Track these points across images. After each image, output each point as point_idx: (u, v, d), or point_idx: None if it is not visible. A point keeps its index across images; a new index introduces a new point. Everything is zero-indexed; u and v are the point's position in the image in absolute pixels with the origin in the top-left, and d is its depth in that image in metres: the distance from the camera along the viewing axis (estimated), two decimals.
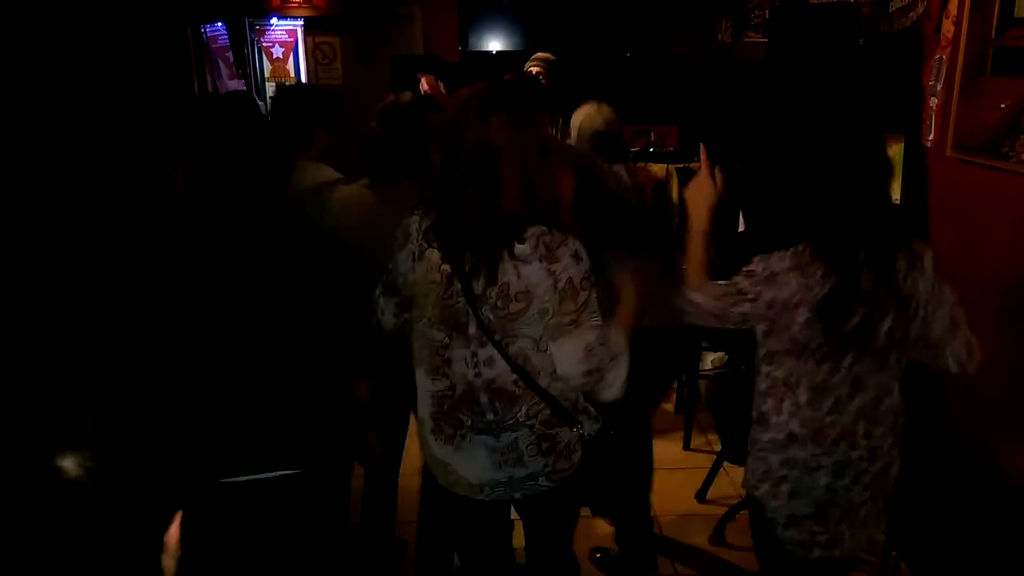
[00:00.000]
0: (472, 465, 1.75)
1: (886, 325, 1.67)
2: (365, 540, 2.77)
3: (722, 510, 3.10)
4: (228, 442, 1.79)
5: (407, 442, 2.67)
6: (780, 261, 1.68)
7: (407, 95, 2.36)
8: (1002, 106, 2.27)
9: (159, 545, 0.81)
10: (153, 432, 0.82)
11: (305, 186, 2.54)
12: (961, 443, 2.51)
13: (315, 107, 2.65)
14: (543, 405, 1.71)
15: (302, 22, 5.89)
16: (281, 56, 5.98)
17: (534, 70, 3.70)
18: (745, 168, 4.48)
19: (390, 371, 2.44)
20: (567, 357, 1.66)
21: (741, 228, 3.99)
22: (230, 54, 5.69)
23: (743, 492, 1.91)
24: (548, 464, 1.75)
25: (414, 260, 1.73)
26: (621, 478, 2.79)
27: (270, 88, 5.99)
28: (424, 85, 3.51)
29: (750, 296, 1.70)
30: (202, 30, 5.66)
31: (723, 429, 3.28)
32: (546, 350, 1.68)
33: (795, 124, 1.80)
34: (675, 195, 4.41)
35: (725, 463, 3.25)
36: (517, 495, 1.79)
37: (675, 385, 4.00)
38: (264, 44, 5.94)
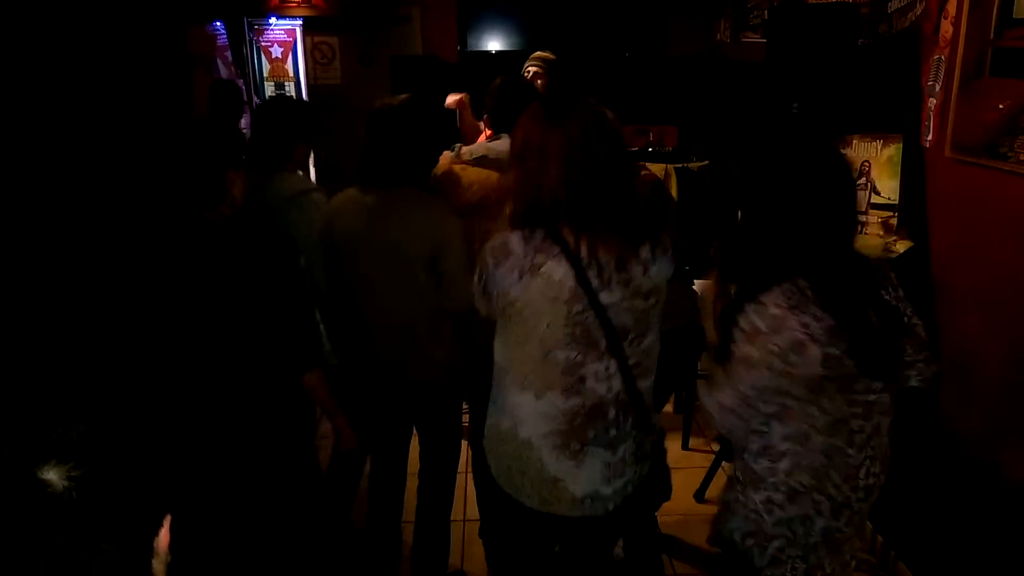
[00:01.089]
0: (587, 478, 1.72)
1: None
2: (370, 539, 2.77)
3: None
4: (207, 442, 1.80)
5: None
6: (776, 304, 1.57)
7: (399, 98, 2.36)
8: (1000, 107, 2.27)
9: (149, 550, 0.81)
10: (138, 437, 0.82)
11: (284, 195, 2.57)
12: (960, 443, 2.52)
13: (297, 120, 2.68)
14: (639, 414, 1.72)
15: (301, 22, 5.88)
16: (280, 56, 5.97)
17: (532, 70, 3.70)
18: (744, 169, 4.48)
19: (394, 371, 2.45)
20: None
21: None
22: (229, 54, 5.69)
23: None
24: (638, 471, 1.78)
25: (520, 279, 1.62)
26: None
27: (269, 88, 5.99)
28: (453, 99, 3.50)
29: (761, 361, 1.58)
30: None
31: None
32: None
33: (760, 154, 1.70)
34: (675, 193, 4.42)
35: (724, 463, 3.25)
36: (610, 506, 1.76)
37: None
38: (263, 44, 5.93)
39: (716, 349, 1.72)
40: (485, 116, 2.78)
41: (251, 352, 1.85)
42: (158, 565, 0.82)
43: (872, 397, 1.66)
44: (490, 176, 2.59)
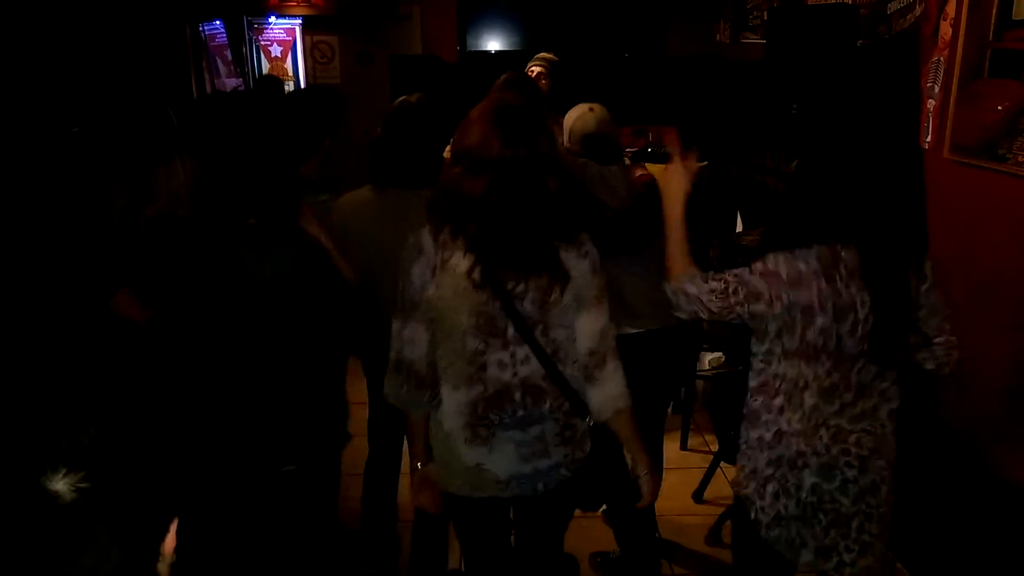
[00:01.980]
0: (501, 460, 1.77)
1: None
2: (364, 538, 2.77)
3: (719, 510, 3.10)
4: (229, 443, 1.79)
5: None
6: (805, 262, 1.62)
7: (415, 97, 2.33)
8: (999, 108, 2.28)
9: (156, 555, 0.81)
10: (148, 442, 0.81)
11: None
12: (959, 443, 2.52)
13: (327, 112, 2.60)
14: (563, 398, 1.75)
15: (300, 21, 5.88)
16: (279, 55, 5.97)
17: (536, 70, 3.70)
18: (743, 169, 4.49)
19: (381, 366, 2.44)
20: (583, 330, 1.73)
21: (739, 229, 3.99)
22: (228, 52, 5.68)
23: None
24: (568, 453, 1.81)
25: (434, 273, 1.69)
26: (630, 480, 2.78)
27: None
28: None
29: (766, 298, 1.65)
30: (200, 28, 5.65)
31: (720, 429, 3.28)
32: (575, 336, 1.73)
33: (835, 133, 1.74)
34: None
35: (722, 463, 3.25)
36: (539, 486, 1.81)
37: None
38: (262, 43, 5.93)
39: (718, 258, 1.76)
40: None
41: (264, 358, 1.84)
42: (162, 567, 0.82)
43: (869, 378, 1.71)
44: None
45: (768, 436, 1.75)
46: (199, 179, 1.88)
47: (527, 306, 1.67)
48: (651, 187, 2.60)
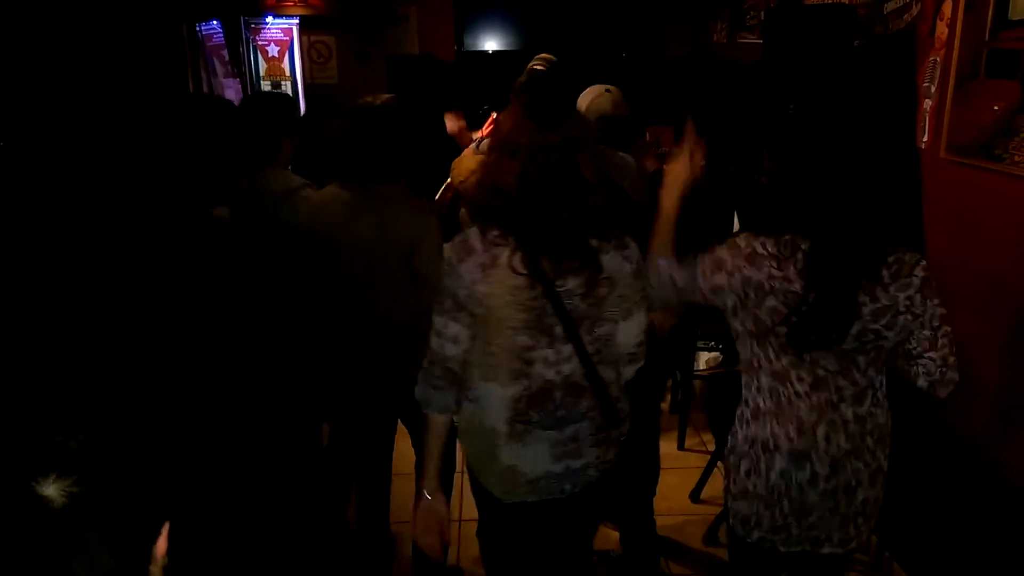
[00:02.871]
0: (534, 459, 1.77)
1: (856, 328, 1.65)
2: (360, 539, 2.77)
3: (716, 510, 3.10)
4: (206, 448, 1.79)
5: (398, 444, 2.67)
6: (763, 245, 1.69)
7: (382, 97, 2.38)
8: (995, 108, 2.28)
9: (147, 558, 0.81)
10: (137, 445, 0.81)
11: (276, 191, 2.56)
12: (957, 443, 2.52)
13: (282, 115, 2.67)
14: (598, 400, 1.77)
15: (297, 21, 5.88)
16: (276, 55, 5.96)
17: (538, 69, 3.69)
18: (740, 168, 4.50)
19: (376, 375, 2.45)
20: (632, 329, 1.79)
21: (736, 228, 4.00)
22: (225, 52, 5.68)
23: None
24: (600, 455, 1.82)
25: (484, 270, 1.68)
26: (629, 480, 2.79)
27: (265, 87, 5.98)
28: (451, 126, 3.54)
29: (727, 267, 1.72)
30: (197, 28, 5.64)
31: (717, 429, 3.29)
32: (618, 332, 1.78)
33: (810, 128, 1.80)
34: None
35: (719, 463, 3.25)
36: (568, 487, 1.81)
37: (669, 385, 4.01)
38: (259, 43, 5.92)
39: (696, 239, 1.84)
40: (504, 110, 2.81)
41: (253, 357, 1.84)
42: (155, 570, 0.82)
43: (821, 372, 1.72)
44: None
45: (747, 413, 1.80)
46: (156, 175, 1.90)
47: (576, 302, 1.69)
48: (654, 176, 2.60)
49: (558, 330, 1.70)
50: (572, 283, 1.68)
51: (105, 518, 0.75)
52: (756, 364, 1.77)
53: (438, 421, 1.82)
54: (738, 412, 1.84)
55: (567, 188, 1.64)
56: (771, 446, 1.76)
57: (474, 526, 3.06)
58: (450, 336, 1.73)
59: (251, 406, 1.84)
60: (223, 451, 1.82)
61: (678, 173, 1.89)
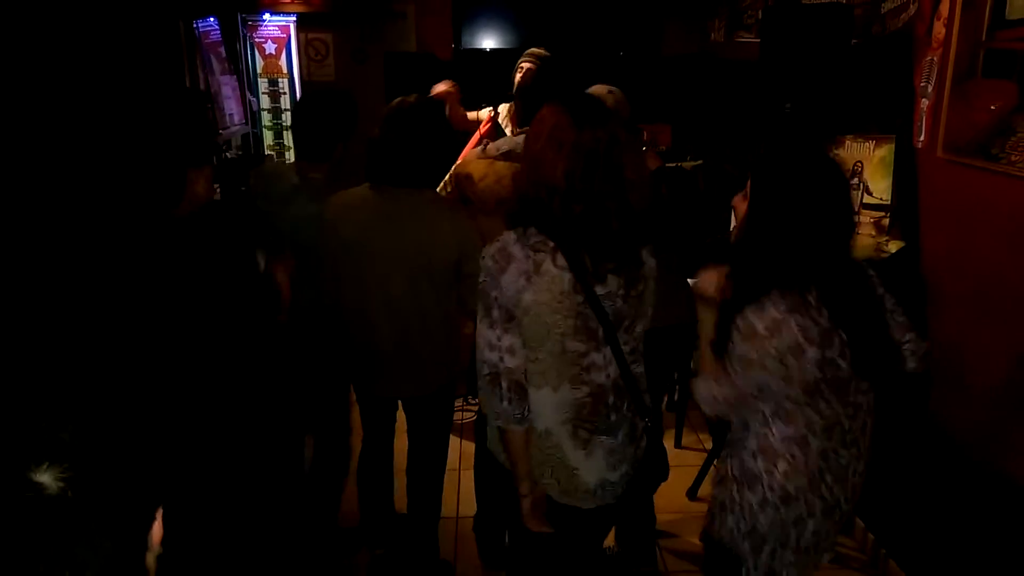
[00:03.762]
0: (594, 466, 1.77)
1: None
2: (364, 530, 2.78)
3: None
4: (197, 435, 1.80)
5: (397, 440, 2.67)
6: (774, 307, 1.60)
7: (413, 98, 2.32)
8: (992, 108, 2.29)
9: (143, 544, 0.81)
10: (129, 435, 0.82)
11: (293, 179, 2.54)
12: (951, 441, 2.53)
13: (341, 118, 2.56)
14: (632, 399, 1.79)
15: (295, 18, 5.86)
16: (274, 52, 5.95)
17: (526, 65, 3.69)
18: (737, 168, 4.50)
19: (371, 373, 2.45)
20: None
21: (733, 224, 4.00)
22: (222, 49, 5.66)
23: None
24: (634, 452, 1.84)
25: (528, 281, 1.64)
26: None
27: (262, 84, 5.97)
28: (441, 87, 3.50)
29: (756, 360, 1.61)
30: (194, 25, 5.63)
31: (714, 427, 3.30)
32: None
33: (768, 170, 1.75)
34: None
35: (716, 461, 3.26)
36: (619, 491, 1.82)
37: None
38: (256, 40, 5.91)
39: (715, 341, 1.75)
40: (509, 106, 2.78)
41: (235, 347, 1.85)
42: (150, 558, 0.83)
43: (860, 398, 1.71)
44: (506, 170, 2.58)
45: (774, 499, 1.72)
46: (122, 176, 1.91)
47: (616, 303, 1.70)
48: (656, 174, 2.60)
49: (600, 334, 1.70)
50: (612, 284, 1.68)
51: (102, 505, 0.75)
52: (808, 434, 1.68)
53: (517, 432, 1.73)
54: (755, 500, 1.73)
55: (613, 182, 1.64)
56: (805, 517, 1.72)
57: (471, 523, 3.08)
58: (507, 348, 1.67)
59: (241, 396, 1.85)
60: (215, 440, 1.82)
61: (706, 288, 1.82)
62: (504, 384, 1.68)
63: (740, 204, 1.79)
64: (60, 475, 0.72)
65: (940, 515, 2.57)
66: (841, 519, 1.80)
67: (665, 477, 2.54)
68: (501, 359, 1.68)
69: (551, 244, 1.64)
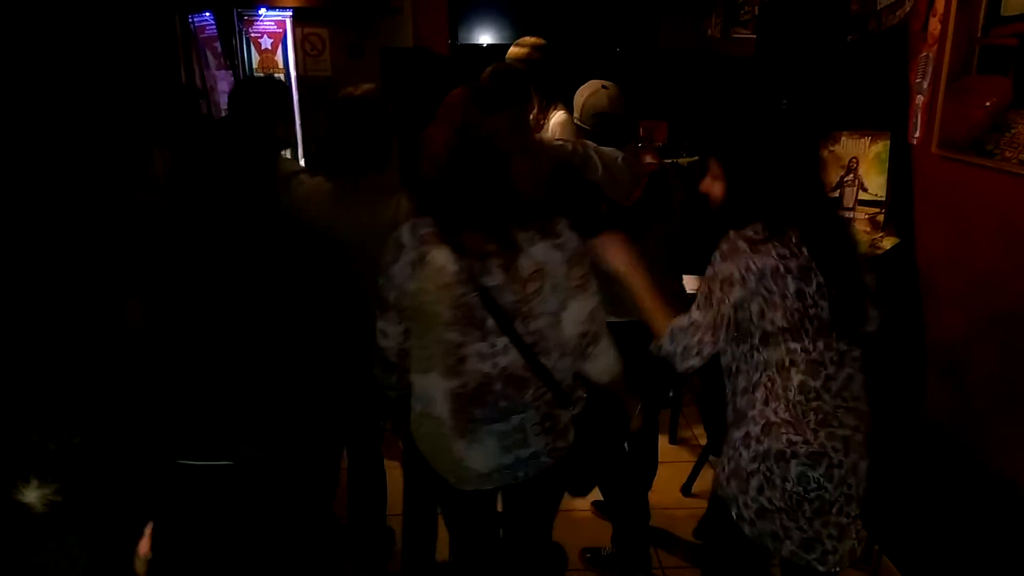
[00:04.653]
0: (483, 455, 1.81)
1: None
2: (352, 531, 2.77)
3: (707, 503, 3.12)
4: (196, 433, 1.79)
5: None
6: (754, 231, 1.69)
7: (363, 87, 2.42)
8: (987, 104, 2.29)
9: (131, 553, 0.81)
10: (119, 448, 0.81)
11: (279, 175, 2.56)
12: (945, 438, 2.54)
13: (275, 99, 2.69)
14: (545, 388, 1.79)
15: (291, 13, 5.84)
16: (270, 47, 5.93)
17: (520, 53, 3.65)
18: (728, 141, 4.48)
19: (367, 366, 2.44)
20: (571, 319, 1.79)
21: None
22: (218, 44, 5.64)
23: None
24: (549, 442, 1.85)
25: (413, 268, 1.73)
26: (625, 476, 2.79)
27: None
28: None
29: (738, 276, 1.67)
30: (190, 20, 5.61)
31: (709, 423, 3.30)
32: (560, 322, 1.78)
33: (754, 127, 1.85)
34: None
35: (711, 457, 3.27)
36: (521, 474, 1.85)
37: None
38: (252, 35, 5.89)
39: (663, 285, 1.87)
40: None
41: (237, 355, 1.83)
42: (139, 565, 0.82)
43: (844, 347, 1.74)
44: None
45: (756, 430, 1.73)
46: (178, 169, 1.91)
47: (507, 297, 1.71)
48: (656, 176, 2.59)
49: (490, 323, 1.72)
50: (499, 277, 1.70)
51: (85, 520, 0.74)
52: (789, 362, 1.70)
53: (391, 397, 2.02)
54: (739, 435, 1.76)
55: (493, 167, 1.67)
56: (787, 455, 1.70)
57: None
58: (380, 330, 1.86)
59: (238, 404, 1.84)
60: (207, 451, 1.81)
61: (621, 257, 1.86)
62: (378, 358, 1.92)
63: (711, 187, 1.84)
64: (48, 496, 0.71)
65: (935, 512, 2.58)
66: (839, 482, 1.71)
67: (647, 482, 2.55)
68: (377, 339, 1.89)
69: (439, 236, 1.70)
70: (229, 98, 2.95)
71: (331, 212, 2.33)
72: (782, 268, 1.65)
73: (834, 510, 1.74)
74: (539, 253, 1.72)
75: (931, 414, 2.61)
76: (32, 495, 0.71)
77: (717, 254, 1.71)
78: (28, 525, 0.71)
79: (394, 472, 2.72)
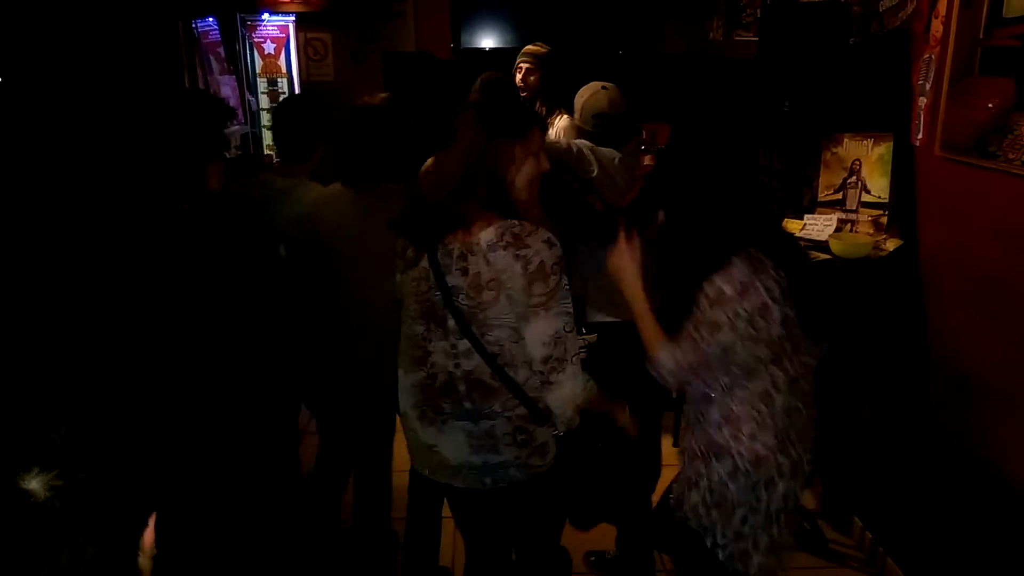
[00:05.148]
0: (453, 446, 1.82)
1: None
2: (357, 535, 2.77)
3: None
4: (191, 439, 1.80)
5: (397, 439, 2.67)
6: (738, 270, 1.67)
7: (379, 96, 2.40)
8: (989, 106, 2.29)
9: (135, 548, 0.81)
10: (121, 438, 0.81)
11: (275, 187, 2.56)
12: (949, 439, 2.53)
13: (320, 120, 2.64)
14: (517, 401, 1.76)
15: (294, 17, 5.86)
16: (273, 52, 5.95)
17: (524, 67, 3.68)
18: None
19: (374, 369, 2.44)
20: (533, 339, 1.70)
21: None
22: (221, 49, 5.66)
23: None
24: (521, 457, 1.82)
25: (403, 260, 1.85)
26: (629, 480, 2.78)
27: (262, 84, 5.97)
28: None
29: (726, 322, 1.66)
30: (193, 25, 5.63)
31: None
32: (524, 338, 1.72)
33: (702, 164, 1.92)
34: None
35: (679, 442, 3.25)
36: (487, 480, 1.83)
37: None
38: (255, 40, 5.91)
39: (662, 312, 1.83)
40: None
41: (234, 348, 1.84)
42: (144, 560, 0.82)
43: (808, 359, 1.79)
44: None
45: (745, 465, 1.74)
46: (135, 169, 1.91)
47: (462, 301, 1.72)
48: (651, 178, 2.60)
49: (451, 323, 1.74)
50: (459, 279, 1.72)
51: (89, 510, 0.75)
52: (773, 391, 1.73)
53: None
54: (725, 471, 1.76)
55: (498, 190, 1.74)
56: (775, 478, 1.74)
57: None
58: None
59: (233, 398, 1.84)
60: (208, 442, 1.82)
61: (627, 266, 1.87)
62: None
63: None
64: (50, 483, 0.72)
65: (938, 513, 2.57)
66: (804, 480, 1.83)
67: (650, 486, 2.55)
68: None
69: (417, 236, 1.80)
70: (273, 116, 2.94)
71: (350, 219, 2.31)
72: (770, 302, 1.66)
73: (793, 504, 1.83)
74: (499, 261, 1.68)
75: (934, 415, 2.60)
76: (34, 483, 0.72)
77: (704, 298, 1.69)
78: (34, 516, 0.71)
79: (400, 477, 2.71)
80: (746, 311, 1.65)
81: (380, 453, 2.68)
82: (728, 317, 1.65)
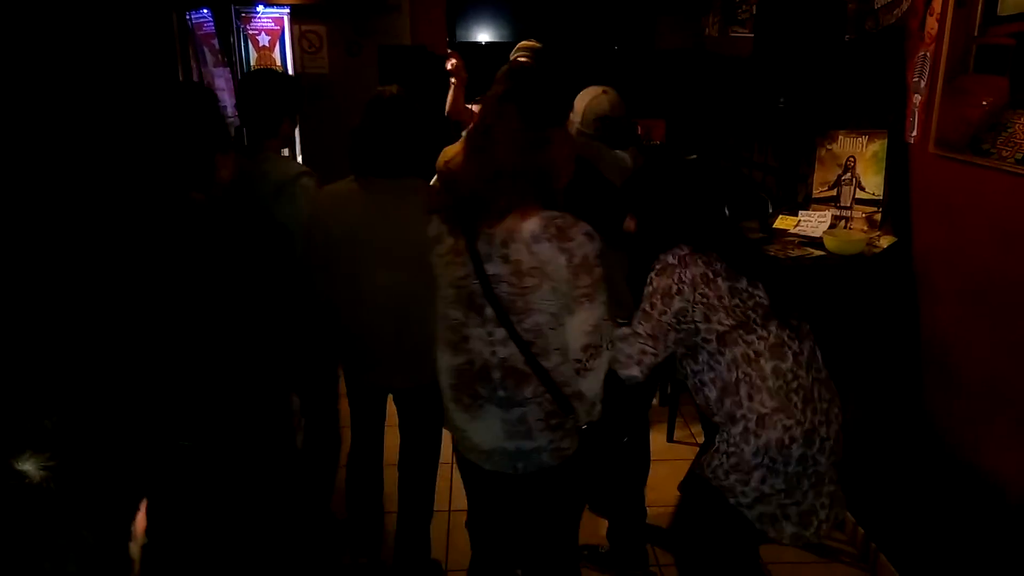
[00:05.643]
0: (486, 432, 1.85)
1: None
2: (350, 523, 2.78)
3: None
4: (185, 428, 1.80)
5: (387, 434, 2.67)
6: (680, 248, 1.87)
7: (393, 88, 2.35)
8: (984, 103, 2.29)
9: (126, 534, 0.81)
10: (113, 424, 0.82)
11: (274, 182, 2.54)
12: (942, 437, 2.55)
13: (282, 94, 2.64)
14: (544, 388, 1.79)
15: (288, 10, 5.83)
16: (267, 44, 5.92)
17: (522, 60, 3.68)
18: (731, 163, 4.50)
19: (364, 364, 2.45)
20: (575, 329, 1.76)
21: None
22: (216, 41, 5.63)
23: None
24: (554, 440, 1.84)
25: (437, 245, 1.86)
26: (619, 474, 2.79)
27: None
28: (451, 63, 3.49)
29: (675, 288, 1.84)
30: (187, 17, 5.60)
31: (706, 422, 3.30)
32: (562, 325, 1.76)
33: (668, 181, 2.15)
34: None
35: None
36: (520, 466, 1.86)
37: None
38: (250, 32, 5.88)
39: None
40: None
41: (233, 338, 1.84)
42: (134, 548, 0.82)
43: (795, 323, 1.90)
44: None
45: (752, 425, 1.82)
46: (141, 159, 1.90)
47: (503, 288, 1.73)
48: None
49: (488, 311, 1.75)
50: (499, 267, 1.73)
51: (83, 496, 0.75)
52: (754, 354, 1.82)
53: None
54: (737, 431, 1.84)
55: (542, 182, 1.75)
56: (787, 441, 1.80)
57: (463, 516, 3.08)
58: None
59: (227, 387, 1.84)
60: (201, 430, 1.81)
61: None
62: None
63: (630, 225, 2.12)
64: (43, 464, 0.72)
65: (930, 510, 2.58)
66: (828, 453, 1.87)
67: (641, 479, 2.59)
68: None
69: (456, 221, 1.81)
70: (237, 91, 2.94)
71: (362, 212, 2.26)
72: (710, 273, 1.83)
73: (826, 480, 1.89)
74: (544, 252, 1.71)
75: (927, 412, 2.61)
76: (28, 464, 0.72)
77: (652, 273, 1.87)
78: (31, 497, 0.71)
79: (390, 472, 2.72)
80: (690, 277, 1.83)
81: (371, 445, 2.68)
82: (673, 282, 1.84)
